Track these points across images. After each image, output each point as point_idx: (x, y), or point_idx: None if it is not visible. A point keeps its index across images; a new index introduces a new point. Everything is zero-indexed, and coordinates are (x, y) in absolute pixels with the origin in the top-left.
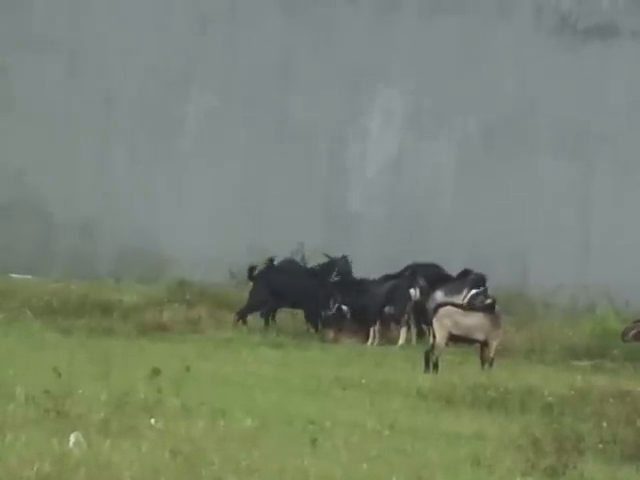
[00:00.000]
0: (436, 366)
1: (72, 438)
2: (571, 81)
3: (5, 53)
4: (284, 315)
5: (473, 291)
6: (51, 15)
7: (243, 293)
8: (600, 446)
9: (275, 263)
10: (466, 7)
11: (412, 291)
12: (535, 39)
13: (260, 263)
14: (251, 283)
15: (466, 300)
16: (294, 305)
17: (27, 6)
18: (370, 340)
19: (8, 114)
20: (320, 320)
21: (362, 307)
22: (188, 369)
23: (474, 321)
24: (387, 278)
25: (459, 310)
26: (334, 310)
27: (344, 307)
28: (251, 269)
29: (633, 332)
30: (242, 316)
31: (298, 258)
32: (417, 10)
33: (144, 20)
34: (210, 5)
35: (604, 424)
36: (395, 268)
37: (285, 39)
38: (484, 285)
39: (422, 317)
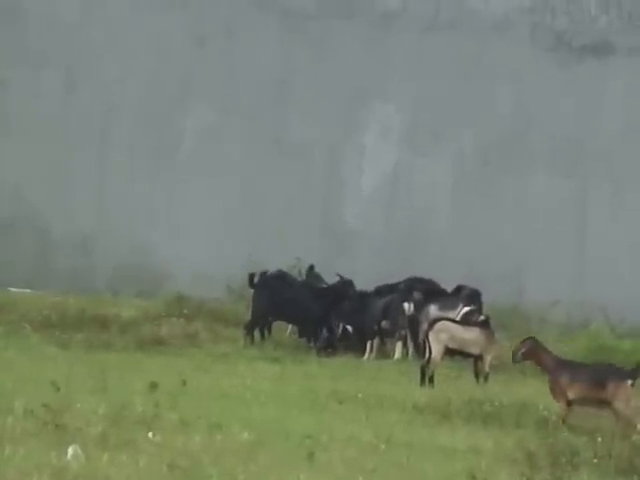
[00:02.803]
0: (432, 380)
1: (70, 451)
2: (567, 99)
3: (2, 68)
4: (280, 329)
5: (466, 309)
6: (49, 30)
7: (241, 307)
8: (595, 461)
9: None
10: (462, 24)
11: (406, 305)
12: (531, 57)
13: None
14: (248, 297)
15: (459, 317)
16: (289, 319)
17: (25, 21)
18: (367, 354)
19: (5, 129)
20: (319, 339)
21: (360, 322)
22: (185, 383)
23: (470, 335)
24: (380, 290)
25: (455, 324)
26: (340, 333)
27: (349, 327)
28: (251, 276)
29: (522, 351)
30: (249, 331)
31: (295, 273)
32: (414, 27)
33: (142, 35)
34: (208, 21)
35: (599, 439)
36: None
37: (282, 55)
38: (479, 301)
39: (417, 331)
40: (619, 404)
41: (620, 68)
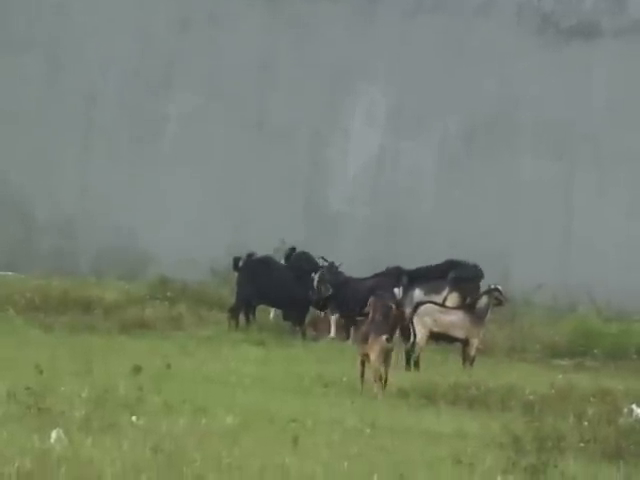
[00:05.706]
0: (417, 364)
1: (53, 435)
2: (553, 81)
3: None
4: (265, 312)
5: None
6: (31, 15)
7: (225, 291)
8: (581, 445)
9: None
10: (448, 6)
11: (396, 290)
12: (517, 39)
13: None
14: (232, 280)
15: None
16: (273, 302)
17: (7, 6)
18: (351, 338)
19: None
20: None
21: (345, 305)
22: (169, 366)
23: (454, 319)
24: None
25: (439, 308)
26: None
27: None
28: (236, 260)
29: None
30: (234, 314)
31: (279, 256)
32: (399, 9)
33: (125, 20)
34: (191, 5)
35: (585, 423)
36: (375, 267)
37: (266, 38)
38: (465, 285)
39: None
40: (372, 355)
41: (607, 50)
